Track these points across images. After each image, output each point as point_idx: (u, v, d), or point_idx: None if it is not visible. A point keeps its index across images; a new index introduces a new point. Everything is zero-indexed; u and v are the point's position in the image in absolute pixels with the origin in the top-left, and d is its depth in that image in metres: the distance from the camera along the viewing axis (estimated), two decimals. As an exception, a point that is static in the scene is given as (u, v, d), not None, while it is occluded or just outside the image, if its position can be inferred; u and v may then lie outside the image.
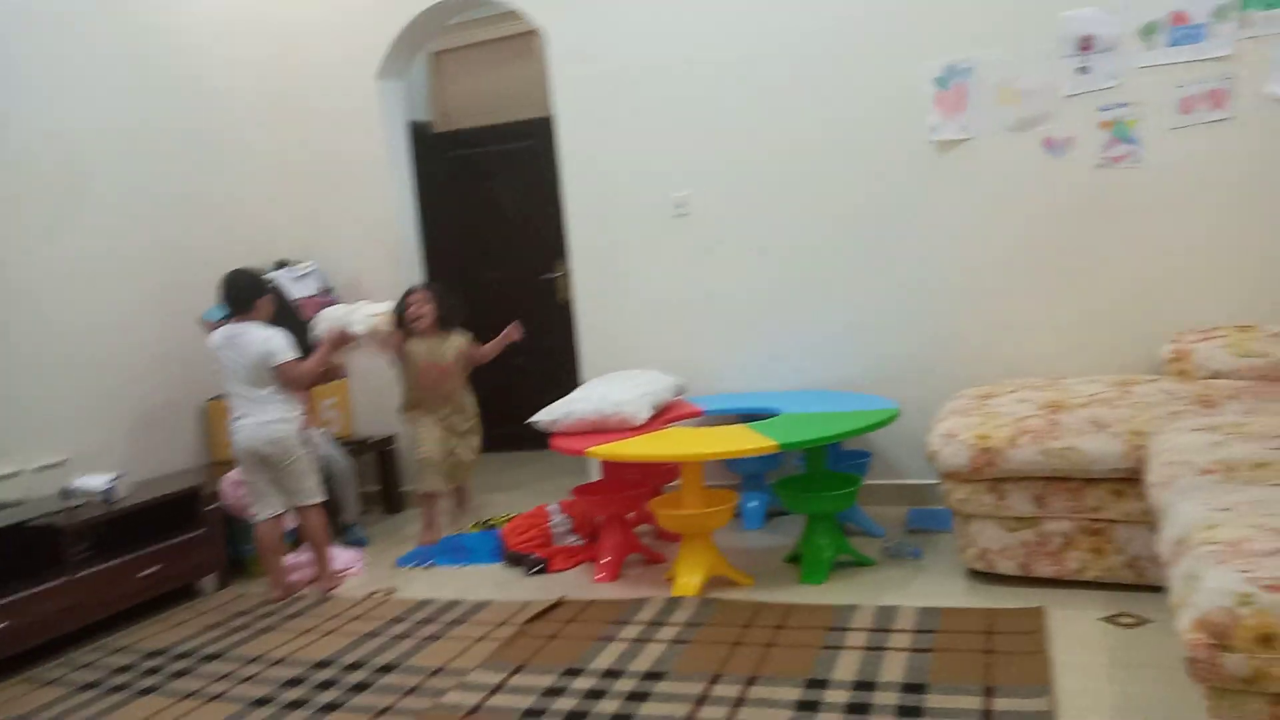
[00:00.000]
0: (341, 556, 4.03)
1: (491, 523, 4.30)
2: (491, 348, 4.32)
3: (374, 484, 4.96)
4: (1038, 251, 3.76)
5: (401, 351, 4.20)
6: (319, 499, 3.74)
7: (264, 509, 3.69)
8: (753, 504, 4.02)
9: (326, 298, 4.97)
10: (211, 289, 3.80)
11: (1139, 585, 2.82)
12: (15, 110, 3.91)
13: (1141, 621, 2.64)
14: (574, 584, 3.54)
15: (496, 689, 2.66)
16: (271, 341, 3.59)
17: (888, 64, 3.90)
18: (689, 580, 3.25)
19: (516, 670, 2.77)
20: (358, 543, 4.34)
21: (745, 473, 4.07)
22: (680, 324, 4.37)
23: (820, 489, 3.43)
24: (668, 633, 2.93)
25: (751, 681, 2.52)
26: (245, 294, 3.64)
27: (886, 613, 2.88)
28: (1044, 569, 2.95)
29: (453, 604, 3.43)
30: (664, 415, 3.80)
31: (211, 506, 3.93)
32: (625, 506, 3.68)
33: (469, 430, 4.34)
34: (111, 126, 4.29)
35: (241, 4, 5.01)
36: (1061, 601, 2.82)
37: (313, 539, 3.76)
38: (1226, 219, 3.49)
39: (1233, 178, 3.46)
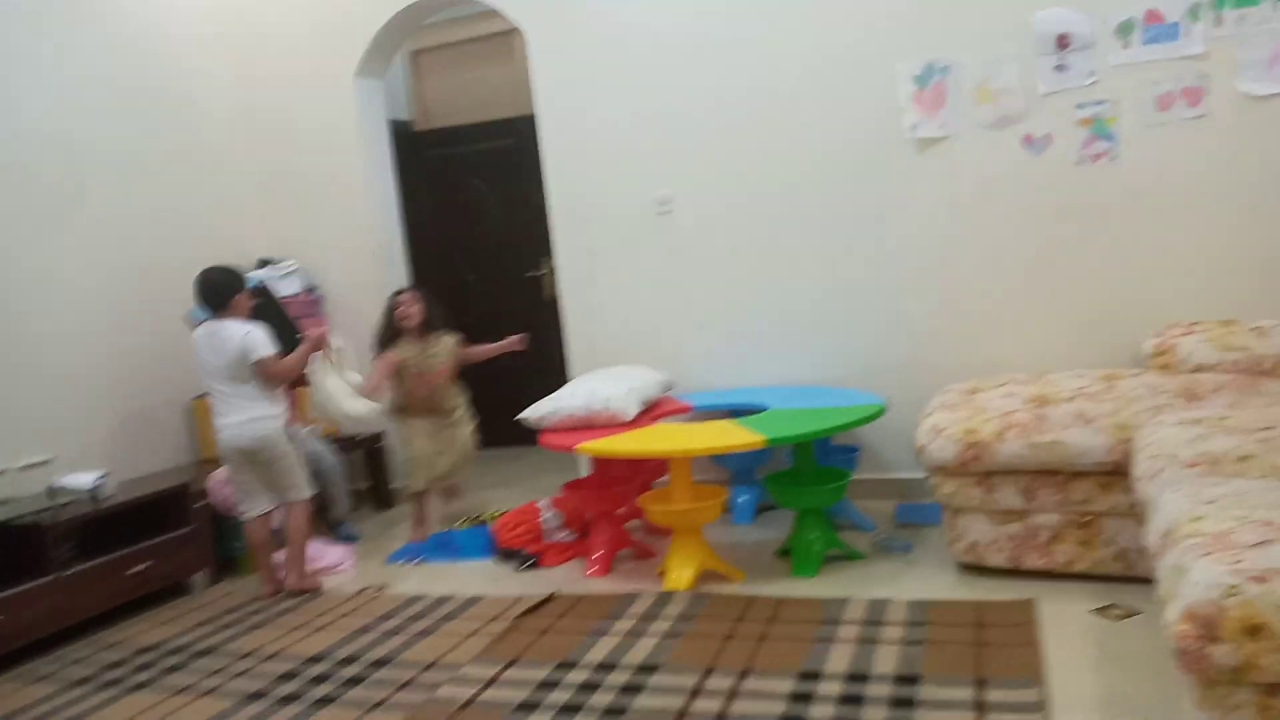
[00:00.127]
0: (332, 553, 4.03)
1: (481, 519, 4.30)
2: (485, 350, 4.31)
3: (364, 481, 4.96)
4: (1020, 248, 3.80)
5: (392, 364, 4.15)
6: (307, 495, 3.73)
7: (251, 507, 3.68)
8: (743, 499, 4.05)
9: (310, 296, 4.97)
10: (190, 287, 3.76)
11: (1128, 577, 2.86)
12: (-1, 106, 3.88)
13: (1131, 613, 2.68)
14: (565, 579, 3.55)
15: (490, 683, 2.67)
16: (250, 337, 3.56)
17: (867, 63, 3.93)
18: (680, 575, 3.27)
19: (510, 664, 2.78)
20: (348, 539, 4.34)
21: (735, 468, 4.09)
22: (666, 321, 4.39)
23: (809, 483, 3.46)
24: (660, 626, 2.95)
25: (745, 674, 2.55)
26: (220, 292, 3.61)
27: (878, 606, 2.91)
28: (1033, 562, 2.99)
29: (444, 599, 3.44)
30: (652, 411, 3.82)
31: (199, 504, 3.91)
32: (615, 502, 3.70)
33: (458, 425, 4.33)
34: (93, 132, 4.27)
35: (219, 3, 4.98)
36: (1051, 594, 2.86)
37: (293, 536, 3.71)
38: (1205, 214, 3.54)
39: (1210, 174, 3.51)
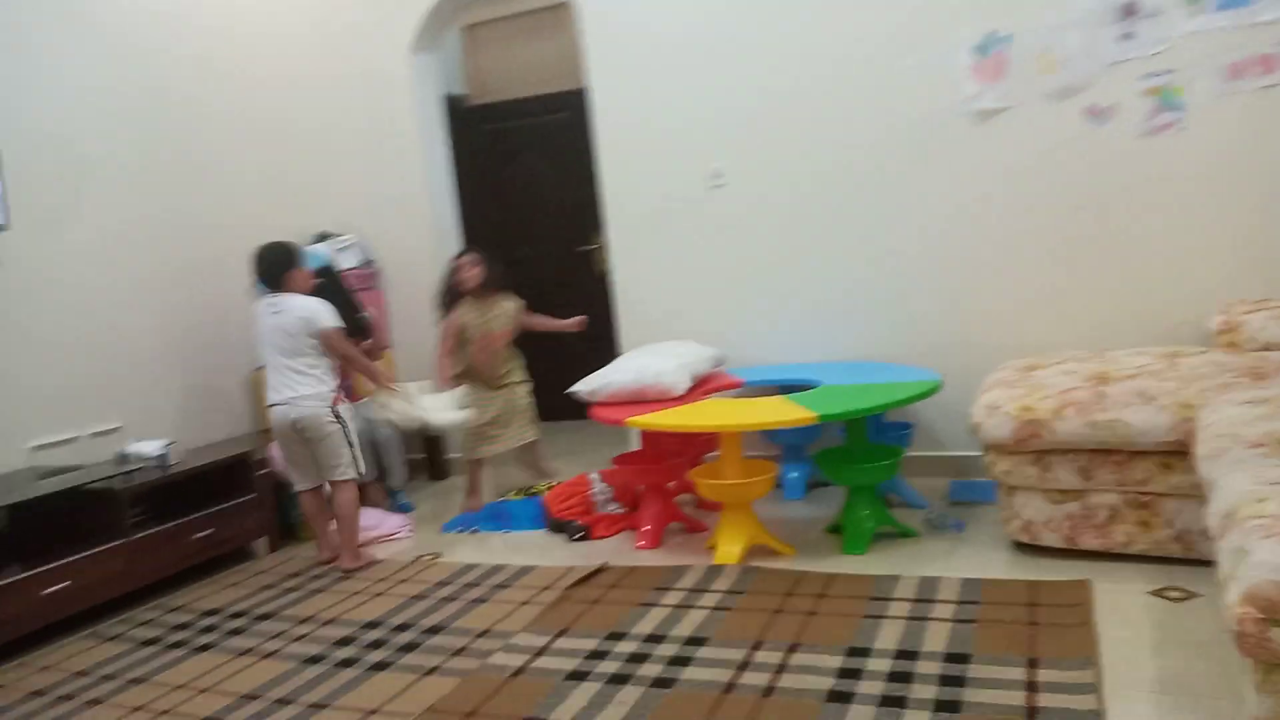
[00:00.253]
0: (390, 521, 4.11)
1: (534, 490, 4.35)
2: (546, 322, 4.35)
3: (419, 452, 5.04)
4: (1081, 221, 3.71)
5: (456, 331, 4.21)
6: (351, 476, 3.70)
7: (302, 481, 3.76)
8: (794, 475, 4.04)
9: (367, 270, 5.04)
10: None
11: (1187, 559, 2.81)
12: (43, 90, 3.98)
13: (1189, 595, 2.63)
14: (616, 551, 3.59)
15: (541, 651, 2.71)
16: (313, 309, 3.63)
17: (924, 33, 3.85)
18: (730, 549, 3.28)
19: (560, 634, 2.82)
20: (404, 508, 4.43)
21: (786, 443, 4.08)
22: (718, 295, 4.37)
23: (862, 460, 3.44)
24: (709, 600, 2.96)
25: (793, 649, 2.55)
26: (275, 266, 3.67)
27: (929, 583, 2.89)
28: (1089, 542, 2.94)
29: (497, 568, 3.50)
30: (703, 386, 3.82)
31: (261, 473, 4.02)
32: (665, 476, 3.72)
33: (515, 393, 4.33)
34: (158, 112, 4.36)
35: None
36: (1107, 574, 2.82)
37: (342, 516, 3.72)
38: (1276, 187, 3.42)
39: (1285, 146, 3.39)
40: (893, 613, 2.71)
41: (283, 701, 2.59)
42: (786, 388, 3.89)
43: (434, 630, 2.98)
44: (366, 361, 3.96)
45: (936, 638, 2.52)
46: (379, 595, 3.36)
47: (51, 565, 3.23)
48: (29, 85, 3.83)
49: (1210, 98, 3.46)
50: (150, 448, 3.81)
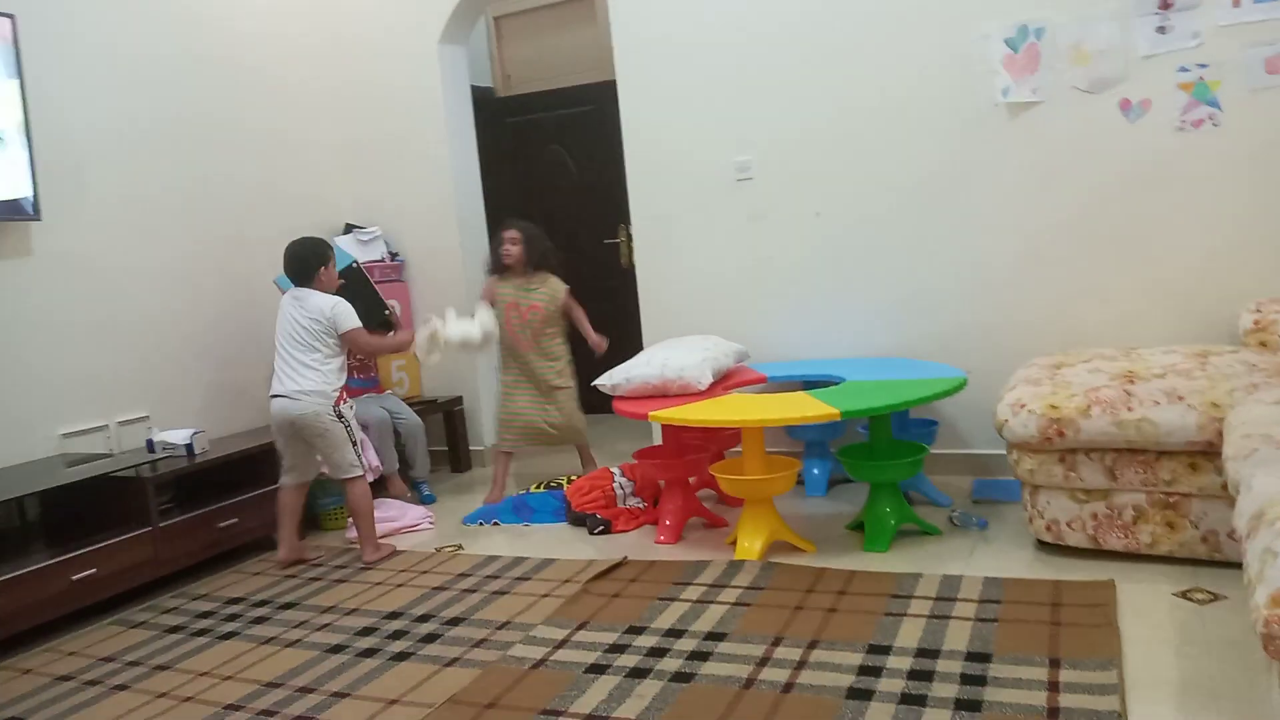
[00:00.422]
0: (412, 512, 4.14)
1: (555, 483, 4.36)
2: (581, 318, 4.40)
3: (441, 444, 5.07)
4: (1111, 217, 3.67)
5: (490, 291, 4.30)
6: (358, 473, 3.69)
7: (286, 475, 3.74)
8: (816, 471, 4.02)
9: (392, 261, 5.07)
10: (279, 254, 3.86)
11: (1213, 560, 2.77)
12: (71, 87, 4.03)
13: (1215, 597, 2.60)
14: (636, 545, 3.59)
15: (561, 644, 2.72)
16: (338, 309, 3.65)
17: (955, 25, 3.82)
18: (751, 544, 3.28)
19: (581, 626, 2.83)
20: (427, 500, 4.46)
21: (808, 439, 4.07)
22: (742, 289, 4.36)
23: (885, 457, 3.42)
24: (729, 595, 2.96)
25: (813, 645, 2.54)
26: (304, 263, 3.70)
27: (951, 582, 2.87)
28: (1114, 542, 2.91)
29: (518, 561, 3.51)
30: (726, 381, 3.81)
31: (286, 462, 4.05)
32: (687, 470, 3.71)
33: (558, 385, 4.34)
34: (177, 108, 4.39)
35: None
36: (1132, 575, 2.79)
37: (356, 512, 3.72)
38: (1317, 185, 3.37)
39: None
40: (914, 610, 2.70)
41: (305, 690, 2.62)
42: (810, 383, 3.88)
43: (455, 621, 2.99)
44: (392, 341, 3.99)
45: (958, 636, 2.51)
46: (401, 586, 3.38)
47: (79, 551, 3.27)
48: (67, 79, 3.87)
49: (1246, 93, 3.41)
50: (177, 436, 3.85)
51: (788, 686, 2.33)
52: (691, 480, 3.79)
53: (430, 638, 2.89)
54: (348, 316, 3.66)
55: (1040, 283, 3.81)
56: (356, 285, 4.24)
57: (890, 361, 3.94)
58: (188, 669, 2.85)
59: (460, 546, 3.80)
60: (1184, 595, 2.64)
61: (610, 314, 5.50)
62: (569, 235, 6.01)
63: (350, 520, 3.91)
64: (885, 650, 2.47)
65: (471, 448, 5.13)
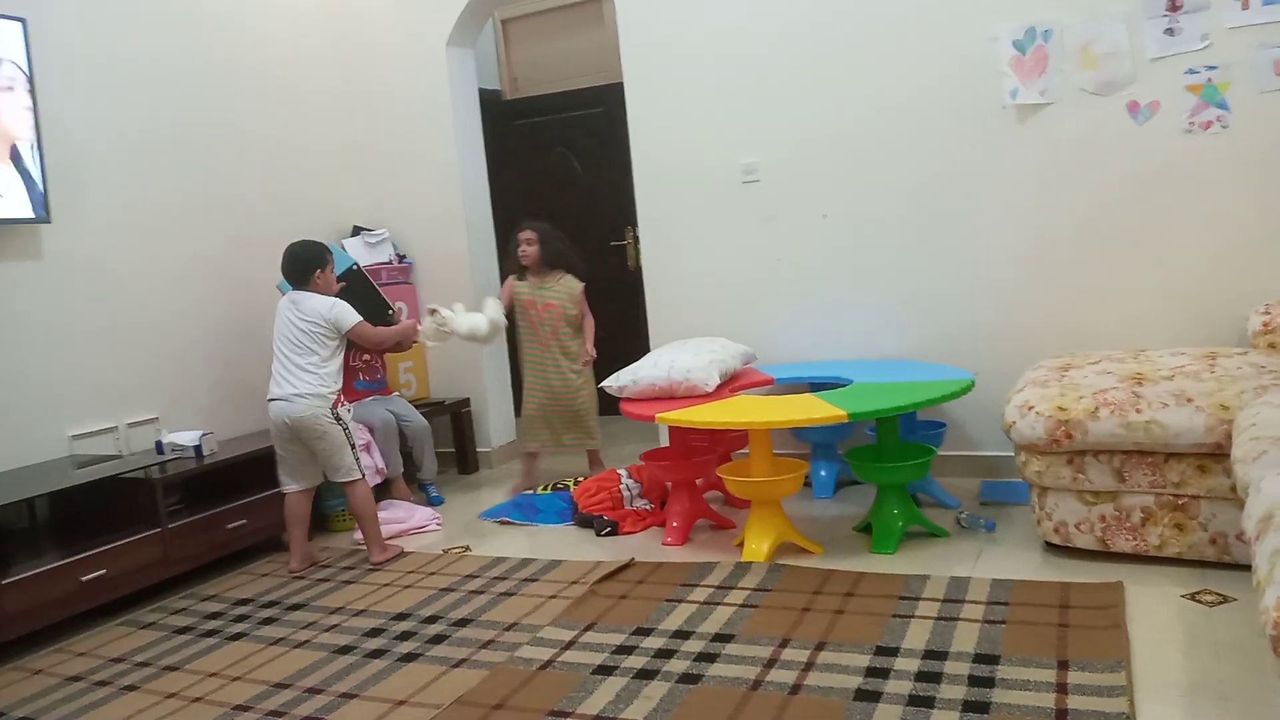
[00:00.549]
0: (419, 514, 4.15)
1: (561, 485, 4.37)
2: (589, 323, 4.44)
3: (449, 446, 5.08)
4: (1119, 219, 3.66)
5: (508, 291, 4.39)
6: (357, 476, 3.68)
7: (290, 482, 3.73)
8: (823, 473, 4.02)
9: (400, 264, 5.08)
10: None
11: (1222, 563, 2.77)
12: (77, 100, 4.05)
13: (1224, 599, 2.59)
14: (643, 547, 3.59)
15: (569, 645, 2.72)
16: (337, 309, 3.66)
17: (963, 27, 3.82)
18: (758, 546, 3.28)
19: (588, 628, 2.83)
20: (434, 501, 4.47)
21: (815, 441, 4.06)
22: (749, 291, 4.36)
23: (892, 459, 3.42)
24: (736, 596, 2.96)
25: (820, 647, 2.54)
26: (303, 265, 3.71)
27: (958, 584, 2.87)
28: (1123, 544, 2.90)
29: (526, 562, 3.51)
30: (733, 383, 3.81)
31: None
32: (694, 472, 3.71)
33: (578, 385, 4.38)
34: (185, 112, 4.41)
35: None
36: (1140, 577, 2.78)
37: (359, 515, 3.71)
38: (1325, 187, 3.36)
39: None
40: (921, 612, 2.70)
41: (313, 691, 2.63)
42: (817, 385, 3.88)
43: (463, 623, 3.00)
44: (397, 330, 4.01)
45: (965, 638, 2.51)
46: (408, 587, 3.39)
47: (89, 553, 3.28)
48: (74, 79, 3.89)
49: (1255, 94, 3.40)
50: (186, 438, 3.86)
51: (795, 688, 2.34)
52: (699, 482, 3.79)
53: (438, 639, 2.89)
54: (348, 314, 3.67)
55: (1048, 284, 3.80)
56: (358, 287, 4.26)
57: (897, 363, 3.94)
58: (197, 669, 2.86)
59: (468, 548, 3.80)
60: (1193, 597, 2.63)
61: (617, 315, 5.52)
62: (576, 237, 6.01)
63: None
64: (893, 652, 2.47)
65: (479, 449, 5.13)
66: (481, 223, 5.16)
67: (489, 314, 3.97)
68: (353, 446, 3.68)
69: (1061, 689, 2.19)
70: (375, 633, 3.00)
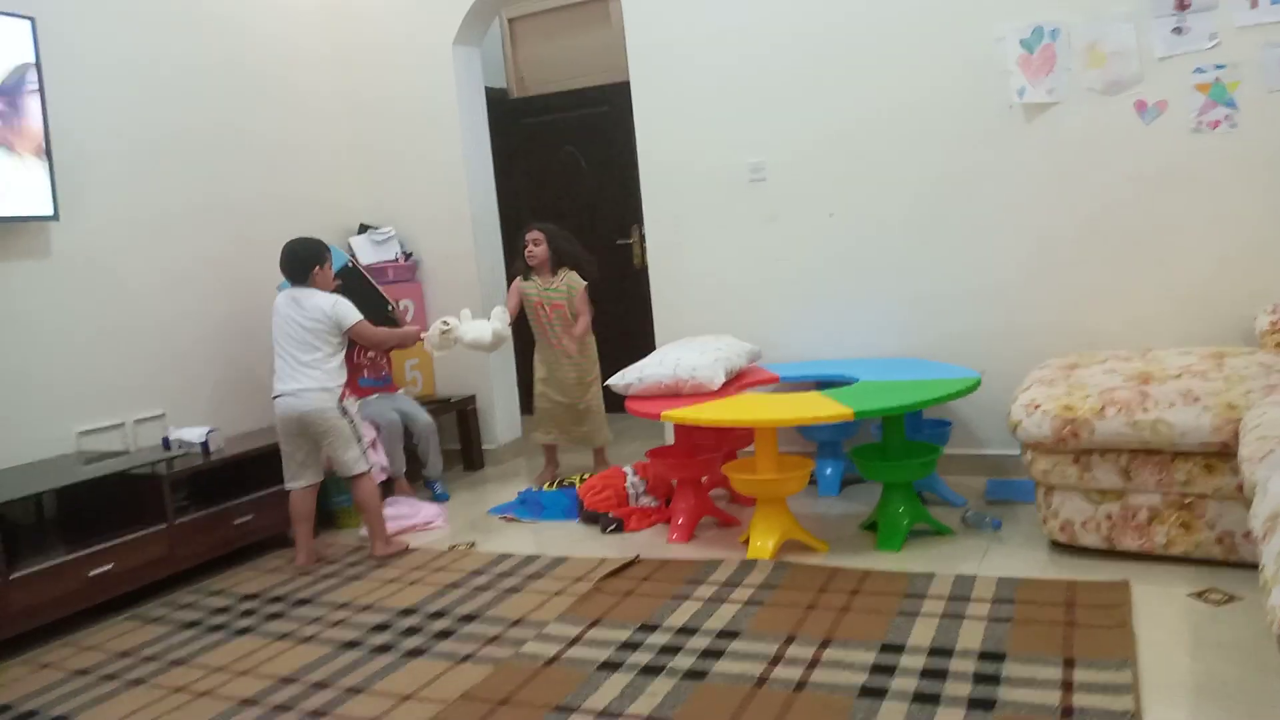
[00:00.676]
0: (425, 510, 4.16)
1: (567, 482, 4.38)
2: (581, 319, 4.43)
3: (455, 443, 5.08)
4: (1126, 218, 3.66)
5: (517, 299, 4.44)
6: (363, 469, 3.69)
7: (295, 479, 3.73)
8: (829, 471, 4.02)
9: (406, 262, 5.09)
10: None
11: (1228, 562, 2.76)
12: (90, 100, 4.06)
13: (1230, 599, 2.59)
14: (649, 544, 3.60)
15: (574, 641, 2.73)
16: (339, 307, 3.67)
17: (970, 25, 3.81)
18: (763, 544, 3.28)
19: (593, 624, 2.84)
20: (440, 498, 4.48)
21: (821, 439, 4.06)
22: (755, 290, 4.36)
23: (898, 457, 3.41)
24: (742, 594, 2.96)
25: (826, 644, 2.55)
26: (301, 263, 3.72)
27: (964, 582, 2.87)
28: (1129, 543, 2.90)
29: (531, 559, 3.52)
30: (739, 381, 3.81)
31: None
32: (699, 470, 3.72)
33: (586, 383, 4.47)
34: (191, 112, 4.42)
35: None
36: (1147, 576, 2.78)
37: (364, 509, 3.73)
38: (1334, 186, 3.35)
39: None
40: (927, 610, 2.70)
41: (320, 685, 2.63)
42: (823, 383, 3.88)
43: (468, 618, 3.01)
44: (399, 333, 4.06)
45: (971, 636, 2.50)
46: (414, 583, 3.40)
47: (97, 548, 3.29)
48: (79, 75, 3.91)
49: (1264, 93, 3.39)
50: (193, 434, 3.87)
51: (800, 685, 2.34)
52: (704, 479, 3.79)
53: (444, 634, 2.90)
54: (349, 312, 3.69)
55: (1055, 283, 3.80)
56: (355, 285, 4.27)
57: (904, 362, 3.93)
58: (203, 664, 2.87)
59: (473, 544, 3.81)
60: (1199, 596, 2.63)
61: (622, 314, 5.52)
62: (582, 235, 6.02)
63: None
64: (898, 649, 2.47)
65: (485, 447, 5.14)
66: (488, 221, 5.16)
67: (495, 324, 3.98)
68: (359, 440, 3.69)
69: (1067, 687, 2.19)
70: (381, 628, 3.01)
